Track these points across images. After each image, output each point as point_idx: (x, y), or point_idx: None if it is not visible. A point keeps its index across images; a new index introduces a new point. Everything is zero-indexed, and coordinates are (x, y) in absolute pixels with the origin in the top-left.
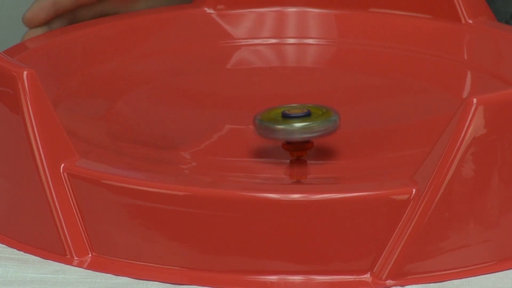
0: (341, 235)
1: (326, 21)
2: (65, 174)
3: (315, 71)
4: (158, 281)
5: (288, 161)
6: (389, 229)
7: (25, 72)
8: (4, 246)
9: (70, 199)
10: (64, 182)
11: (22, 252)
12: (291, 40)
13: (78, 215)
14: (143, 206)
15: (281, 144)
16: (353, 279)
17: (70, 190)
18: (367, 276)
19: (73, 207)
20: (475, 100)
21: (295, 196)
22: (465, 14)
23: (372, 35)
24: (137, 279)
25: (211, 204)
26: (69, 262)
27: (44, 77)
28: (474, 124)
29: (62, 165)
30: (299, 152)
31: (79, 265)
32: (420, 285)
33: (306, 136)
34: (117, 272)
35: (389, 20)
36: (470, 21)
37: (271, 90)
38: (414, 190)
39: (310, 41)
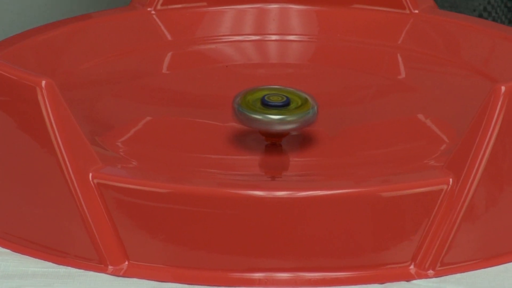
0: (379, 230)
1: (307, 17)
2: (95, 182)
3: (297, 67)
4: (143, 278)
5: (264, 145)
6: (424, 222)
7: (43, 82)
8: (39, 260)
9: (102, 208)
10: (95, 191)
11: (57, 265)
12: (273, 37)
13: (110, 223)
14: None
15: (258, 130)
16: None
17: (101, 198)
18: (411, 267)
19: (105, 215)
20: (503, 88)
21: (300, 193)
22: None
23: (354, 31)
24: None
25: (199, 201)
26: (103, 270)
27: None
28: (505, 110)
29: (90, 174)
30: (274, 139)
31: (114, 273)
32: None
33: (283, 128)
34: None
35: (371, 16)
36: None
37: (251, 85)
38: (450, 180)
39: (291, 37)
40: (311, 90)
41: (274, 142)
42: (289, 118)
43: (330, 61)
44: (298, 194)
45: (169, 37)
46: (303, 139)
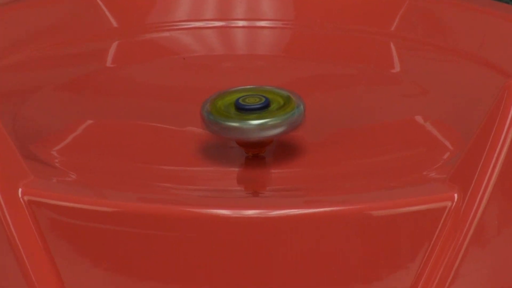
0: (370, 257)
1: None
2: (25, 200)
3: (269, 60)
4: None
5: (244, 158)
6: (424, 246)
7: None
8: None
9: (34, 230)
10: (25, 210)
11: None
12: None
13: (43, 248)
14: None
15: (235, 139)
16: None
17: (33, 219)
18: None
19: (38, 239)
20: None
21: (260, 212)
22: None
23: (338, 16)
24: None
25: (151, 222)
26: None
27: None
28: None
29: (20, 189)
30: (255, 149)
31: None
32: None
33: (266, 135)
34: None
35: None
36: None
37: (216, 83)
38: (455, 196)
39: (262, 23)
40: (288, 87)
41: (255, 153)
42: (272, 122)
43: (309, 52)
44: (271, 213)
45: (114, 23)
46: (285, 147)
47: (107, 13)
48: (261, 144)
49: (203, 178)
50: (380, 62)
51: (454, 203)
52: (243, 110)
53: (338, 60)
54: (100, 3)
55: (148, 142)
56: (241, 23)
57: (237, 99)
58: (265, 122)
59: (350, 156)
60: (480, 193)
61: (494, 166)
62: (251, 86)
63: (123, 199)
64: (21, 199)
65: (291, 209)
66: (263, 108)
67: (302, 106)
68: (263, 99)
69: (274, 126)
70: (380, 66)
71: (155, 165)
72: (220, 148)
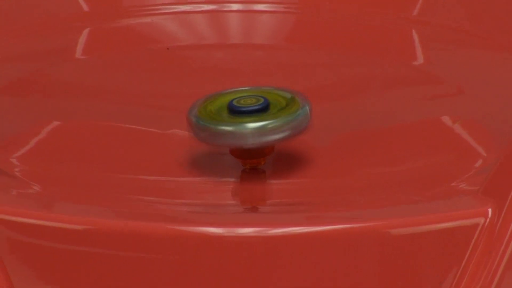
0: (388, 282)
1: None
2: None
3: (268, 50)
4: None
5: (240, 171)
6: (453, 270)
7: None
8: None
9: None
10: None
11: None
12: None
13: (1, 271)
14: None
15: (229, 149)
16: None
17: None
18: None
19: None
20: None
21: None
22: None
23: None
24: None
25: (129, 242)
26: None
27: None
28: None
29: None
30: (254, 160)
31: None
32: None
33: (264, 140)
34: None
35: None
36: None
37: (206, 77)
38: (489, 211)
39: (260, 6)
40: (292, 84)
41: (253, 166)
42: (272, 125)
43: (316, 41)
44: (271, 231)
45: (85, 7)
46: (288, 156)
47: None
48: (260, 153)
49: (191, 191)
50: (400, 53)
51: (488, 220)
52: (238, 112)
53: (350, 51)
54: None
55: (126, 147)
56: (235, 7)
57: (231, 101)
58: (264, 125)
59: (365, 165)
60: None
61: None
62: (247, 88)
63: (97, 215)
64: None
65: (294, 227)
66: (261, 110)
67: (307, 107)
68: (262, 100)
69: (275, 130)
70: (400, 58)
71: (134, 174)
72: (212, 155)
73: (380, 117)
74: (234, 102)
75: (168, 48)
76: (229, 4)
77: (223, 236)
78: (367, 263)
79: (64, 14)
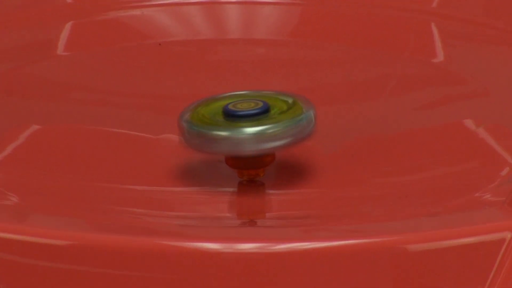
0: None
1: None
2: None
3: (272, 46)
4: None
5: (236, 183)
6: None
7: None
8: None
9: None
10: None
11: None
12: None
13: None
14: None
15: (224, 158)
16: None
17: None
18: None
19: None
20: None
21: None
22: None
23: None
24: None
25: (116, 258)
26: None
27: None
28: None
29: None
30: (252, 171)
31: None
32: None
33: (263, 147)
34: None
35: None
36: None
37: (201, 76)
38: None
39: None
40: (298, 84)
41: (252, 177)
42: (272, 130)
43: (324, 36)
44: (274, 247)
45: None
46: (290, 165)
47: None
48: (259, 163)
49: (182, 202)
50: (417, 49)
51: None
52: (234, 117)
53: (363, 47)
54: None
55: (112, 154)
56: None
57: (226, 105)
58: (263, 130)
59: (378, 174)
60: None
61: None
62: (245, 92)
63: (79, 228)
64: None
65: (297, 242)
66: (260, 114)
67: (312, 112)
68: (261, 104)
69: (275, 136)
70: (417, 55)
71: (121, 184)
72: (207, 162)
73: (395, 121)
74: (230, 106)
75: (160, 44)
76: None
77: (218, 252)
78: (380, 284)
79: (44, 5)
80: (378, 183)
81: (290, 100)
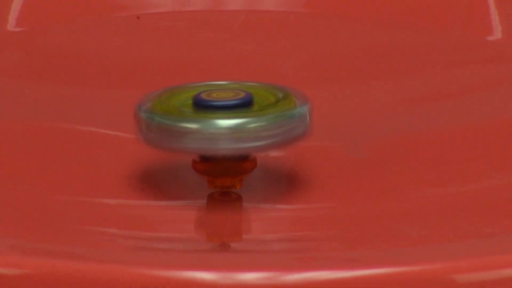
0: None
1: None
2: None
3: (279, 19)
4: None
5: (206, 196)
6: None
7: None
8: None
9: None
10: None
11: None
12: None
13: None
14: None
15: (191, 161)
16: None
17: None
18: None
19: None
20: None
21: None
22: None
23: None
24: None
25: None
26: None
27: None
28: None
29: None
30: (226, 179)
31: None
32: None
33: (241, 146)
34: None
35: None
36: None
37: (189, 58)
38: None
39: None
40: (309, 68)
41: (226, 188)
42: (254, 125)
43: (347, 7)
44: (250, 279)
45: None
46: (278, 169)
47: None
48: (236, 169)
49: (138, 219)
50: (469, 24)
51: None
52: (207, 107)
53: (398, 21)
54: None
55: (68, 156)
56: None
57: (199, 93)
58: (243, 124)
59: (413, 184)
60: None
61: None
62: (223, 82)
63: (29, 253)
64: None
65: (285, 272)
66: (240, 106)
67: (306, 108)
68: (242, 94)
69: (257, 133)
70: (467, 31)
71: (77, 196)
72: (170, 166)
73: (436, 115)
74: (203, 95)
75: (138, 17)
76: None
77: (213, 283)
78: None
79: None
80: (415, 196)
81: (281, 94)
